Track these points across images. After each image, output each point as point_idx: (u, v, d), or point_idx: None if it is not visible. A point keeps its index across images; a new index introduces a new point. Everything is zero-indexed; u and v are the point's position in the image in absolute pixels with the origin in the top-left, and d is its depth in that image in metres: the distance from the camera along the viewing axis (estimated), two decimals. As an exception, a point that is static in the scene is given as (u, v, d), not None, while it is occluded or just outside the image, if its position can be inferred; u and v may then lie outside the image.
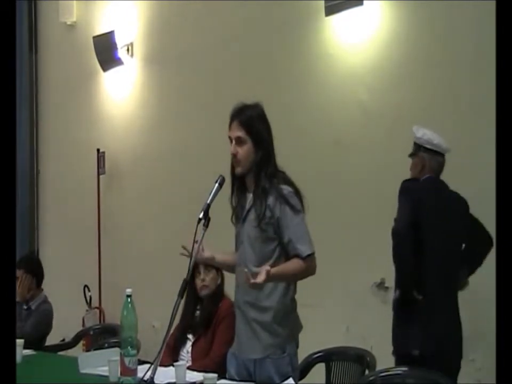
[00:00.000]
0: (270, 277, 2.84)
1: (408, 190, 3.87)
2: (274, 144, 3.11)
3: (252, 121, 3.04)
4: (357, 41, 4.85)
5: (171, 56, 6.20)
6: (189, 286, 3.76)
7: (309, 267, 3.01)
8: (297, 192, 3.06)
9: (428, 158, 3.94)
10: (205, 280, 4.00)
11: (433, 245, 3.78)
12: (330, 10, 4.86)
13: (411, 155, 4.04)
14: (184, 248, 3.01)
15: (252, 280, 2.82)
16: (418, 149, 3.97)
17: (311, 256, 3.00)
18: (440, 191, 3.96)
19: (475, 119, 4.32)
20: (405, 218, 3.76)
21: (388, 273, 4.56)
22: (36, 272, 4.93)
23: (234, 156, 3.05)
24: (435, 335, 3.71)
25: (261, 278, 2.81)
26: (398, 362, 3.69)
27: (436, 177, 3.96)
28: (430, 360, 3.54)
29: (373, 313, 4.59)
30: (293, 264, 3.00)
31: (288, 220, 2.99)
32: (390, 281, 4.57)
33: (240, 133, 3.03)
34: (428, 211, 3.81)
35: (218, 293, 4.04)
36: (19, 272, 4.79)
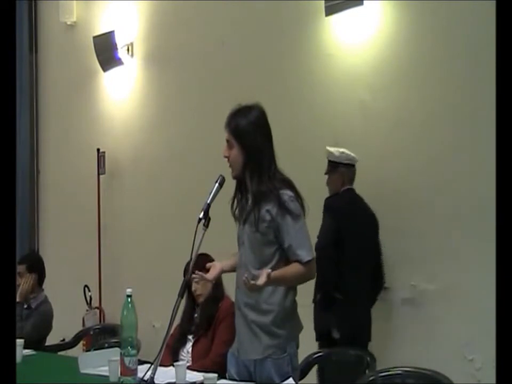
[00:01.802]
0: (270, 280, 2.85)
1: (331, 207, 4.44)
2: (274, 144, 3.10)
3: (239, 126, 3.05)
4: (357, 41, 4.85)
5: (171, 56, 6.20)
6: (187, 288, 3.78)
7: (308, 272, 3.02)
8: (298, 196, 3.05)
9: (347, 171, 4.56)
10: (197, 290, 4.02)
11: (353, 250, 4.35)
12: (330, 10, 4.85)
13: (329, 173, 4.61)
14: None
15: (252, 282, 2.82)
16: (337, 165, 4.55)
17: (311, 261, 3.01)
18: (359, 201, 4.56)
19: (476, 119, 4.32)
20: (326, 236, 4.30)
21: (388, 273, 4.57)
22: (39, 270, 4.94)
23: (227, 158, 3.08)
24: (351, 324, 4.32)
25: (262, 280, 2.81)
26: (321, 345, 4.35)
27: (353, 188, 4.57)
28: (344, 342, 4.18)
29: (372, 313, 4.58)
30: (293, 269, 2.99)
31: (288, 226, 2.98)
32: (390, 282, 4.58)
33: (228, 137, 3.06)
34: (350, 222, 4.39)
35: (215, 295, 4.03)
36: (21, 267, 4.80)
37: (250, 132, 3.04)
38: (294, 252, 2.99)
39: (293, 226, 2.98)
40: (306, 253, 2.99)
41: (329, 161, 4.57)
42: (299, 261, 2.98)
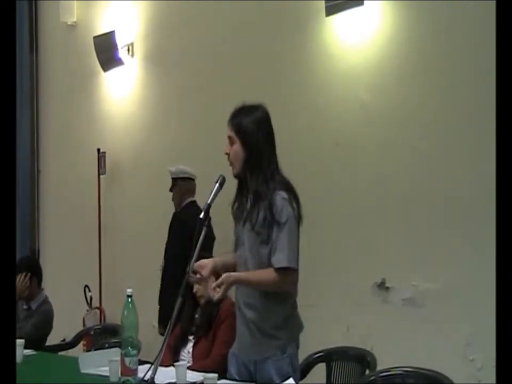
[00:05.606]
0: (230, 284, 2.92)
1: (179, 221, 5.05)
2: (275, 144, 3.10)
3: (242, 122, 3.04)
4: (358, 41, 4.84)
5: (171, 56, 6.20)
6: (188, 289, 3.77)
7: (282, 280, 2.94)
8: (293, 200, 3.02)
9: (186, 184, 5.29)
10: (198, 291, 4.03)
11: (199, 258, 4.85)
12: (330, 11, 4.85)
13: (171, 189, 5.33)
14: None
15: (213, 294, 2.94)
16: (176, 181, 5.29)
17: (286, 269, 2.93)
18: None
19: (476, 118, 4.31)
20: (180, 248, 4.67)
21: (388, 273, 4.58)
22: (36, 272, 4.94)
23: (227, 155, 3.07)
24: None
25: (219, 294, 2.92)
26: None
27: (194, 200, 5.20)
28: None
29: (373, 313, 4.59)
30: (263, 274, 2.96)
31: (274, 228, 2.96)
32: (390, 281, 4.58)
33: (231, 133, 3.05)
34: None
35: None
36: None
37: (252, 129, 3.03)
38: (272, 255, 2.97)
39: (277, 229, 2.95)
40: (282, 259, 2.92)
41: (172, 178, 5.30)
42: (272, 265, 2.96)
